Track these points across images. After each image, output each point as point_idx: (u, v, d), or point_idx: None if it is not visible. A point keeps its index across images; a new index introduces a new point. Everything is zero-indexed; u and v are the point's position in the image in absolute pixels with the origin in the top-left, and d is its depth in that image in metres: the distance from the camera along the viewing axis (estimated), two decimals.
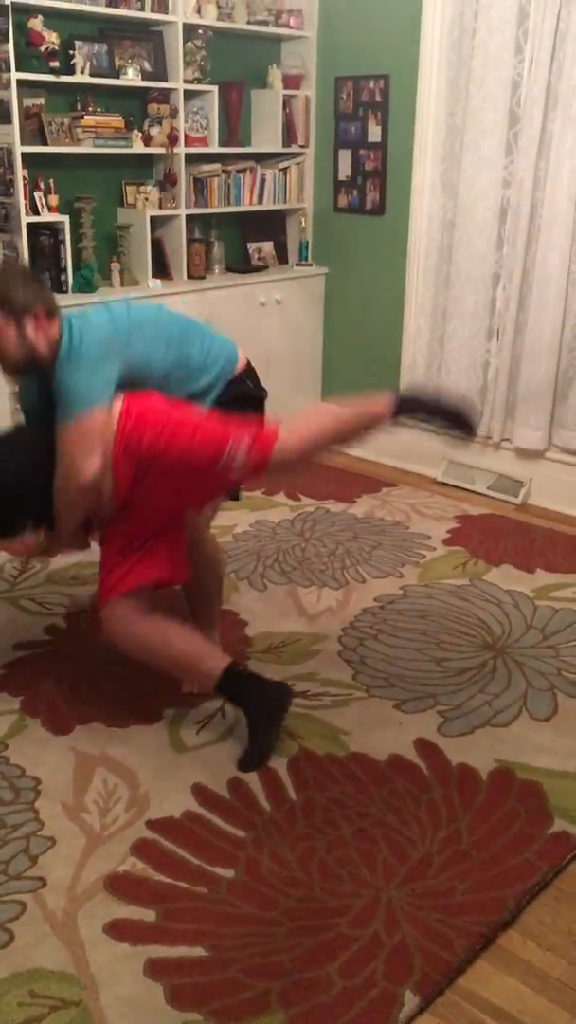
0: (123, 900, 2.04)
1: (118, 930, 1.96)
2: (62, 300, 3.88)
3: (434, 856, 2.18)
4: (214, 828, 2.27)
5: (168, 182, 4.37)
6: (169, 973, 1.86)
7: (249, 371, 2.79)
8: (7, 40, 3.67)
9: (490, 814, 2.31)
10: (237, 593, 3.42)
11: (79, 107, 4.07)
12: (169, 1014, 1.78)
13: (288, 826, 2.28)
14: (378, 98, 4.55)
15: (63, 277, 4.03)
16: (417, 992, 1.83)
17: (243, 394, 2.73)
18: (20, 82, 3.74)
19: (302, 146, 4.85)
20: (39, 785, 2.40)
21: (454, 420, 2.64)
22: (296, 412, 2.67)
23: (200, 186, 4.50)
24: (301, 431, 2.50)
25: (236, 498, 2.95)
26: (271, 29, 4.61)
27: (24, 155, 3.81)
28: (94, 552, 2.68)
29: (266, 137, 4.78)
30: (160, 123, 4.26)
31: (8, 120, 3.75)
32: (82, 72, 3.97)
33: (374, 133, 4.62)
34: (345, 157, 4.77)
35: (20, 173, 3.81)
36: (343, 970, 1.88)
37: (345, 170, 4.79)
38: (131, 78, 4.12)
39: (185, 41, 4.22)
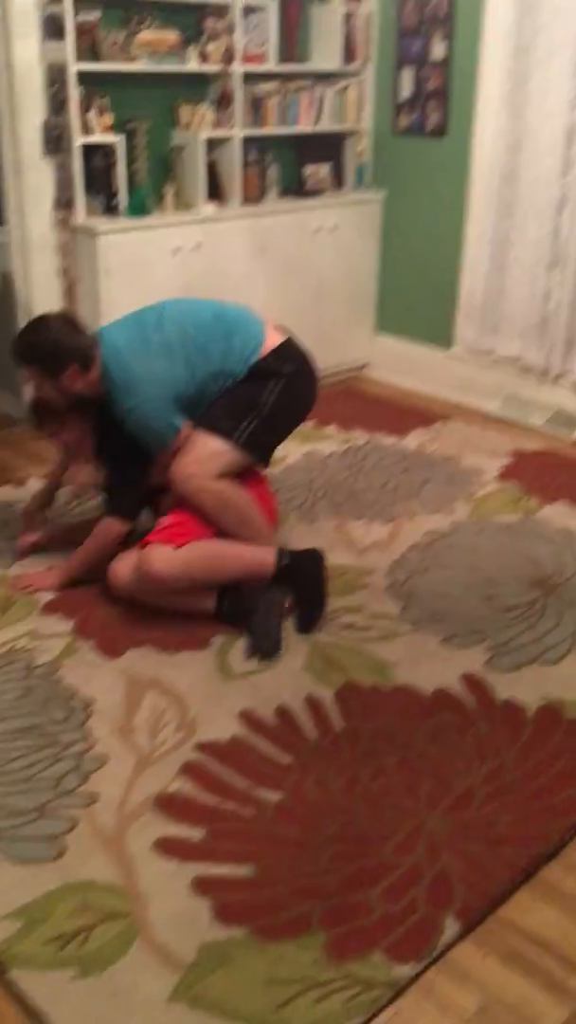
0: (171, 819, 2.09)
1: (166, 847, 2.02)
2: (115, 223, 3.89)
3: (477, 789, 2.20)
4: (260, 753, 2.31)
5: (223, 102, 4.26)
6: (215, 890, 1.92)
7: (277, 351, 2.89)
8: None
9: (535, 750, 2.32)
10: (286, 525, 3.42)
11: (135, 23, 3.96)
12: (214, 929, 1.83)
13: (333, 754, 2.31)
14: (443, 13, 4.36)
15: (116, 200, 3.98)
16: (458, 919, 1.86)
17: (261, 370, 2.85)
18: None
19: (362, 64, 4.68)
20: (91, 706, 2.46)
21: (307, 606, 2.84)
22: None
23: (256, 106, 4.38)
24: (183, 567, 2.71)
25: (265, 465, 3.09)
26: None
27: (78, 73, 3.74)
28: None
29: (325, 55, 4.62)
30: (217, 39, 4.14)
31: (61, 36, 3.66)
32: None
33: (438, 50, 4.44)
34: (407, 75, 4.60)
35: (73, 91, 3.74)
36: (384, 895, 1.91)
37: (406, 89, 4.62)
38: None
39: None
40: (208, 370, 2.82)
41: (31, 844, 2.02)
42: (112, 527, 2.88)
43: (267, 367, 2.86)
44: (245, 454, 2.86)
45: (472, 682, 2.58)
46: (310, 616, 2.81)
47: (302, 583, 2.83)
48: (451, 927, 1.85)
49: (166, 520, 2.82)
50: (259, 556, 2.80)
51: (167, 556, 2.68)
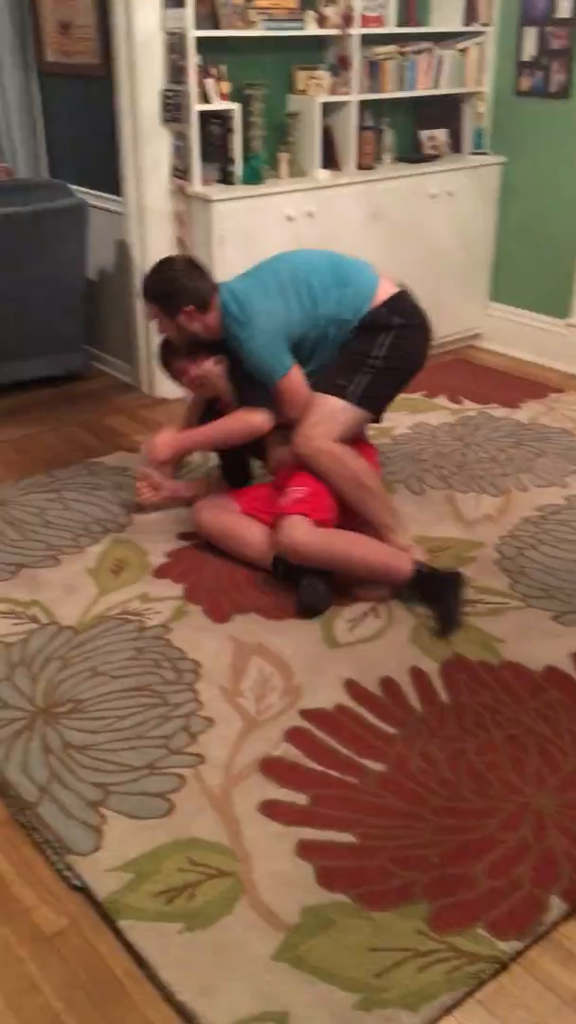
0: (276, 782, 2.12)
1: (271, 810, 2.05)
2: (230, 191, 3.90)
3: None
4: (365, 722, 2.31)
5: (341, 66, 4.20)
6: (319, 855, 1.94)
7: (389, 303, 2.93)
8: None
9: None
10: (394, 496, 3.40)
11: None
12: (318, 893, 1.86)
13: (438, 727, 2.30)
14: None
15: (231, 168, 3.98)
16: (564, 899, 1.83)
17: (370, 323, 2.90)
18: None
19: (484, 24, 4.54)
20: (199, 668, 2.51)
21: (444, 615, 2.69)
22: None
23: (374, 70, 4.30)
24: (324, 542, 2.74)
25: (377, 420, 3.15)
26: None
27: (197, 40, 3.74)
28: None
29: (446, 15, 4.50)
30: (335, 2, 4.08)
31: (181, 3, 3.67)
32: None
33: (564, 8, 4.26)
34: (530, 35, 4.44)
35: (192, 59, 3.75)
36: (489, 870, 1.90)
37: (529, 49, 4.46)
38: None
39: None
40: (321, 313, 2.89)
41: (141, 800, 2.08)
42: (254, 417, 2.92)
43: (377, 319, 2.91)
44: (360, 410, 2.93)
45: None
46: (441, 629, 2.67)
47: (434, 600, 2.73)
48: (556, 906, 1.82)
49: (299, 491, 2.84)
50: (397, 562, 2.76)
51: (308, 530, 2.73)
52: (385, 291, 2.95)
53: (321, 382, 2.94)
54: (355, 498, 2.88)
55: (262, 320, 2.83)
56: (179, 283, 2.89)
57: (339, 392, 2.90)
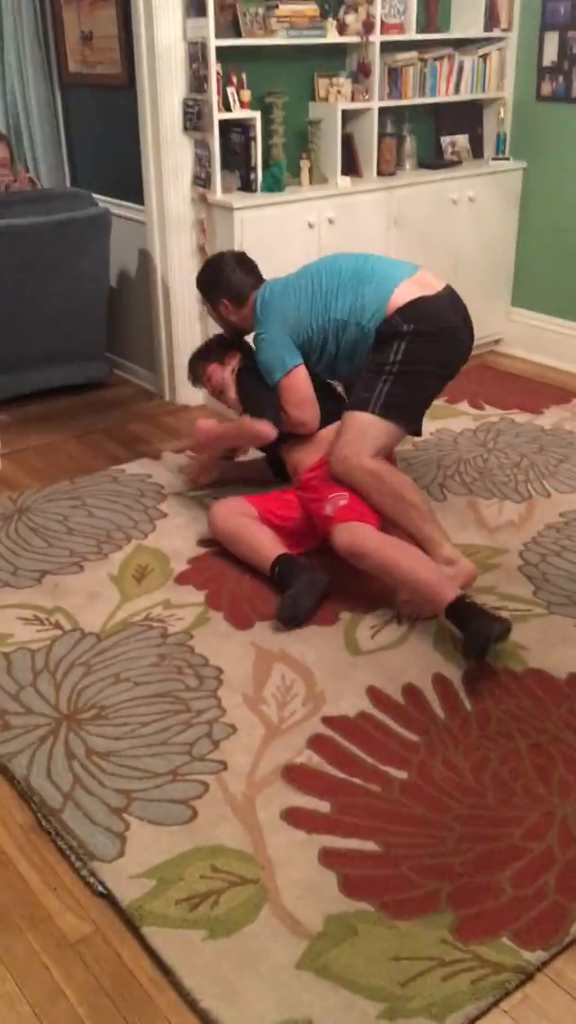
0: (299, 790, 2.12)
1: (294, 817, 2.05)
2: (251, 199, 3.91)
3: None
4: (388, 730, 2.31)
5: (362, 73, 4.20)
6: (342, 863, 1.93)
7: (403, 309, 2.91)
8: None
9: None
10: None
11: None
12: (342, 901, 1.85)
13: (462, 735, 2.29)
14: None
15: (253, 176, 3.99)
16: None
17: (383, 333, 2.92)
18: None
19: (505, 29, 4.53)
20: (221, 675, 2.51)
21: (475, 645, 2.51)
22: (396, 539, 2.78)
23: (394, 76, 4.31)
24: (378, 547, 2.69)
25: (417, 433, 3.20)
26: None
27: (218, 49, 3.76)
28: None
29: (467, 20, 4.50)
30: (356, 10, 4.09)
31: (203, 12, 3.69)
32: None
33: None
34: (551, 40, 4.43)
35: (214, 68, 3.76)
36: (514, 879, 1.89)
37: (551, 55, 4.45)
38: None
39: None
40: (333, 317, 2.98)
41: (165, 806, 2.08)
42: (254, 425, 3.04)
43: (390, 328, 2.92)
44: (389, 422, 2.90)
45: None
46: (471, 658, 2.56)
47: (467, 634, 2.53)
48: None
49: (342, 497, 2.84)
50: (441, 587, 2.60)
51: (369, 533, 2.72)
52: (403, 296, 2.92)
53: (349, 402, 3.00)
54: (396, 511, 2.85)
55: (276, 317, 3.00)
56: (221, 277, 3.15)
57: (363, 405, 2.89)
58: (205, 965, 1.73)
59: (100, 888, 1.90)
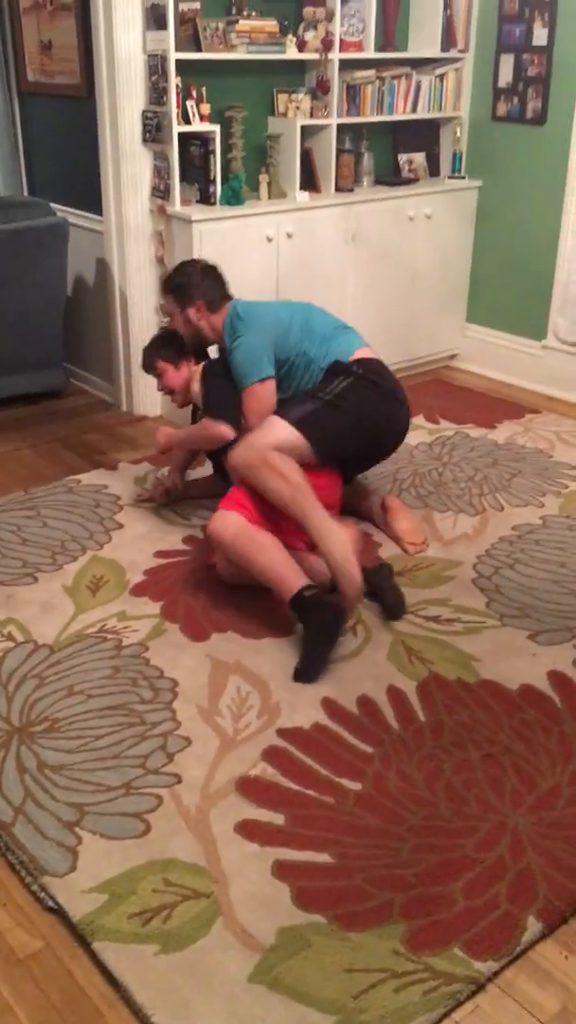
0: (253, 802, 2.12)
1: (248, 830, 2.04)
2: (210, 212, 3.92)
3: (563, 788, 2.16)
4: (342, 741, 2.31)
5: (320, 89, 4.24)
6: (296, 875, 1.93)
7: (361, 361, 3.10)
8: None
9: None
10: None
11: (234, 11, 3.97)
12: (295, 914, 1.85)
13: (415, 745, 2.30)
14: None
15: (212, 189, 4.00)
16: (540, 919, 1.84)
17: (334, 368, 3.07)
18: None
19: (461, 51, 4.61)
20: (176, 687, 2.50)
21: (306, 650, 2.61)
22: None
23: (353, 94, 4.36)
24: (240, 541, 2.73)
25: (347, 481, 3.29)
26: None
27: (177, 62, 3.77)
28: None
29: (424, 41, 4.56)
30: (315, 27, 4.13)
31: (164, 26, 3.70)
32: None
33: (539, 36, 4.34)
34: (507, 62, 4.51)
35: (173, 80, 3.77)
36: (466, 889, 1.90)
37: (506, 76, 4.53)
38: None
39: None
40: (305, 349, 3.10)
41: (118, 820, 2.06)
42: (214, 427, 3.06)
43: (341, 367, 3.08)
44: (299, 433, 2.87)
45: (560, 680, 2.53)
46: (305, 666, 2.57)
47: (311, 628, 2.60)
48: (533, 926, 1.82)
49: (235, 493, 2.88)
50: (288, 576, 2.63)
51: (226, 520, 2.75)
52: (365, 353, 3.14)
53: (277, 410, 3.05)
54: (288, 500, 2.74)
55: (264, 323, 3.09)
56: (195, 279, 3.20)
57: (283, 414, 2.95)
58: (157, 980, 1.72)
59: (51, 903, 1.88)
